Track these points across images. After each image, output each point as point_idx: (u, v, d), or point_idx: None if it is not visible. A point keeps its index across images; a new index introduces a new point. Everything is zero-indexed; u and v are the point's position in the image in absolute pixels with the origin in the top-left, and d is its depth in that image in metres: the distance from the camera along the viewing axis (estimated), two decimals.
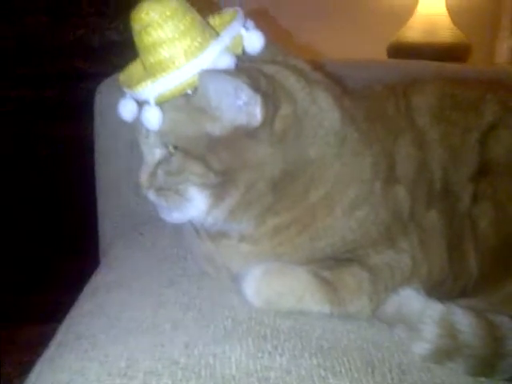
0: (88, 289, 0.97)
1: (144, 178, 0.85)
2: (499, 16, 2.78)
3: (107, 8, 2.04)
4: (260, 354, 0.73)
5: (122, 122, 0.85)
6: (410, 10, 2.51)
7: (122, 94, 0.84)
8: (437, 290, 0.84)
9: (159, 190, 0.84)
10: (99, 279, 0.99)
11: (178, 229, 0.96)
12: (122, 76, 0.87)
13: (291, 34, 1.75)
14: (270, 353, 0.73)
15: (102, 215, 1.35)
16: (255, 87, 0.77)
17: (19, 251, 2.11)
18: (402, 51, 2.45)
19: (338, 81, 0.94)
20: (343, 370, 0.71)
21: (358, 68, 1.37)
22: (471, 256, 0.86)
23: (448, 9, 2.47)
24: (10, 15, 2.03)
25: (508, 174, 0.86)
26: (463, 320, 0.77)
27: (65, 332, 0.83)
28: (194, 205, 0.83)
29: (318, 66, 0.91)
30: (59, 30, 2.08)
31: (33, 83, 2.07)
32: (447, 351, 0.76)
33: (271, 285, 0.83)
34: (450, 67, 1.62)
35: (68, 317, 0.89)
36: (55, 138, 2.06)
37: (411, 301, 0.82)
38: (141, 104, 0.81)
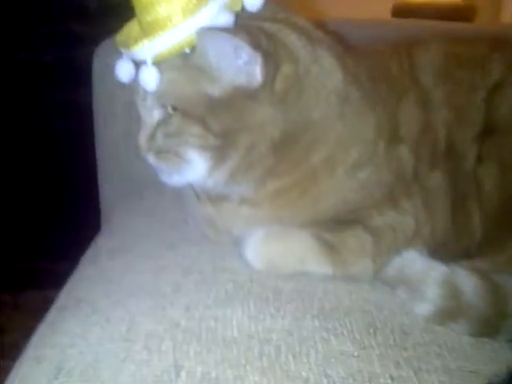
0: (89, 254, 0.96)
1: (143, 140, 0.84)
2: None
3: None
4: (262, 317, 0.72)
5: (121, 85, 0.83)
6: None
7: (119, 56, 0.82)
8: (440, 252, 0.83)
9: (159, 152, 0.83)
10: (100, 244, 0.99)
11: (178, 192, 0.95)
12: (119, 36, 0.85)
13: None
14: (271, 315, 0.73)
15: (102, 179, 1.34)
16: (255, 46, 0.75)
17: (22, 218, 2.11)
18: (407, 11, 2.41)
19: (340, 39, 0.92)
20: (345, 332, 0.71)
21: (362, 27, 1.34)
22: (475, 217, 0.85)
23: None
24: None
25: None
26: (466, 281, 0.77)
27: (66, 297, 0.83)
28: (194, 167, 0.82)
29: (319, 25, 0.88)
30: None
31: (29, 46, 2.04)
32: (450, 312, 0.75)
33: (273, 247, 0.83)
34: (455, 27, 1.59)
35: (69, 281, 0.88)
36: (53, 101, 2.03)
37: (414, 262, 0.81)
38: (138, 65, 0.80)
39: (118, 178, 1.30)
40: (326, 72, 0.82)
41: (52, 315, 0.78)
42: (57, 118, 2.03)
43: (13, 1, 2.02)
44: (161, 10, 0.76)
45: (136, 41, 0.79)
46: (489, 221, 0.84)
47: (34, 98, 2.05)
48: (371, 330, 0.72)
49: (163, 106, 0.81)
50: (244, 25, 0.78)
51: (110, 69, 0.84)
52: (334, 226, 0.83)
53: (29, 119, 2.07)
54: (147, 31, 0.78)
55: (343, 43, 0.91)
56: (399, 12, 2.44)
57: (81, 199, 1.74)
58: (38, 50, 2.04)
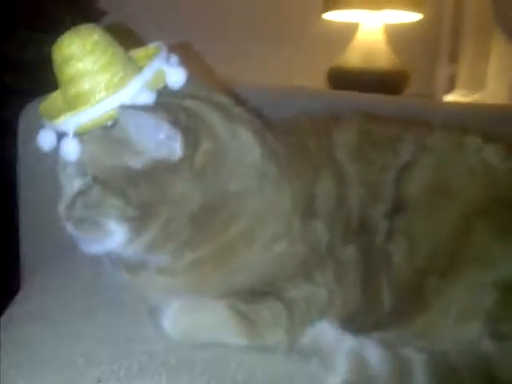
0: (4, 320, 0.94)
1: (62, 209, 0.84)
2: (438, 43, 2.87)
3: (41, 21, 1.96)
4: None
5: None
6: (349, 37, 2.55)
7: (42, 125, 0.83)
8: (352, 323, 0.86)
9: (78, 221, 0.84)
10: (17, 309, 0.97)
11: (99, 258, 0.95)
12: (43, 107, 0.86)
13: (214, 68, 1.77)
14: None
15: (24, 240, 1.31)
16: (174, 122, 0.78)
17: None
18: (342, 77, 2.50)
19: (261, 115, 0.95)
20: None
21: (284, 96, 1.40)
22: (384, 290, 0.88)
23: (386, 36, 2.52)
24: None
25: (421, 211, 0.89)
26: (373, 353, 0.80)
27: None
28: (113, 237, 0.83)
29: (241, 101, 0.92)
30: None
31: None
32: (357, 383, 0.78)
33: (189, 318, 0.84)
34: (369, 98, 1.67)
35: None
36: None
37: (326, 334, 0.84)
38: (60, 134, 0.81)
39: (40, 239, 1.29)
40: (244, 148, 0.86)
41: None
42: None
43: None
44: (84, 85, 0.79)
45: (59, 113, 0.80)
46: (397, 294, 0.87)
47: None
48: None
49: (84, 176, 0.82)
50: (164, 102, 0.81)
51: (37, 129, 0.84)
52: (249, 297, 0.85)
53: None
54: (70, 104, 0.80)
55: (264, 119, 0.95)
56: (334, 76, 2.52)
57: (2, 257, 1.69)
58: None
